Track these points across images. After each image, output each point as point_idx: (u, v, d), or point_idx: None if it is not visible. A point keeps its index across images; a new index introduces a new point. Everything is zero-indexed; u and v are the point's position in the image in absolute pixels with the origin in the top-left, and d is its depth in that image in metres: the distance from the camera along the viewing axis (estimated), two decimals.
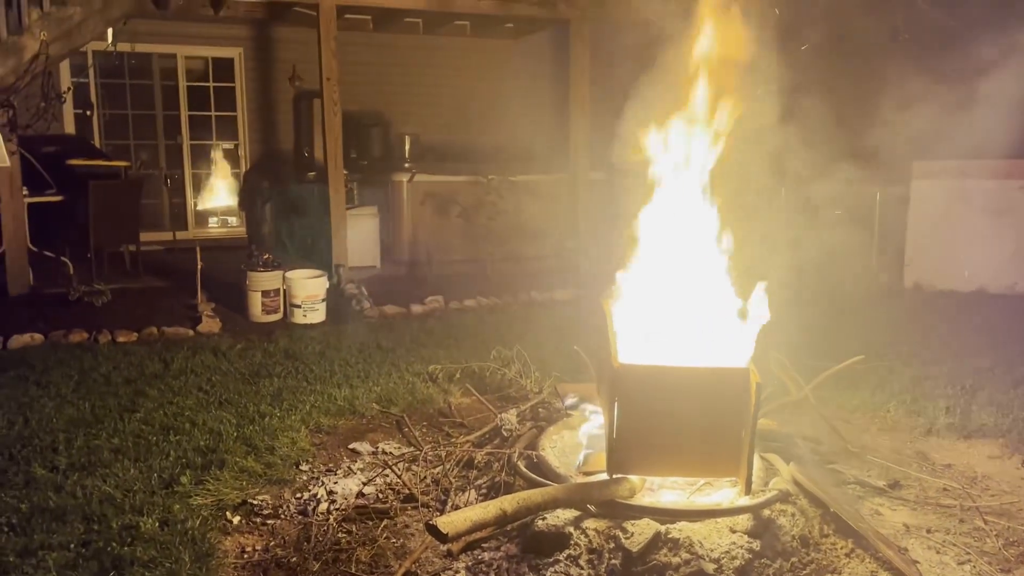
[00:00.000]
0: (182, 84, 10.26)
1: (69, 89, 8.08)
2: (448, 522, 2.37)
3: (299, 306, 6.24)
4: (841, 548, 2.76)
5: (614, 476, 2.90)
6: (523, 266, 8.20)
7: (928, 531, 2.97)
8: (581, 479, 3.04)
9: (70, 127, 9.58)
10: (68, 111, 9.40)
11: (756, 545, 2.66)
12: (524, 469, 3.18)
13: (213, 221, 10.79)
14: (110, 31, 7.00)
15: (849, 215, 6.97)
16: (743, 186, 3.31)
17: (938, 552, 2.83)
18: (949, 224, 7.25)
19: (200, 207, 10.67)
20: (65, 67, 9.10)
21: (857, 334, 5.40)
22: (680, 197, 3.30)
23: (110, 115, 10.01)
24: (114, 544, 2.81)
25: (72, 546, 2.82)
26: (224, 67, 10.43)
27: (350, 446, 3.80)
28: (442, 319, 6.44)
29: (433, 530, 2.37)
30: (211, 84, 10.44)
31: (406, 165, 8.89)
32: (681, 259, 3.21)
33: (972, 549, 2.84)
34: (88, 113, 9.15)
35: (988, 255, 7.07)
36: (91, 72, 9.48)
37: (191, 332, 5.84)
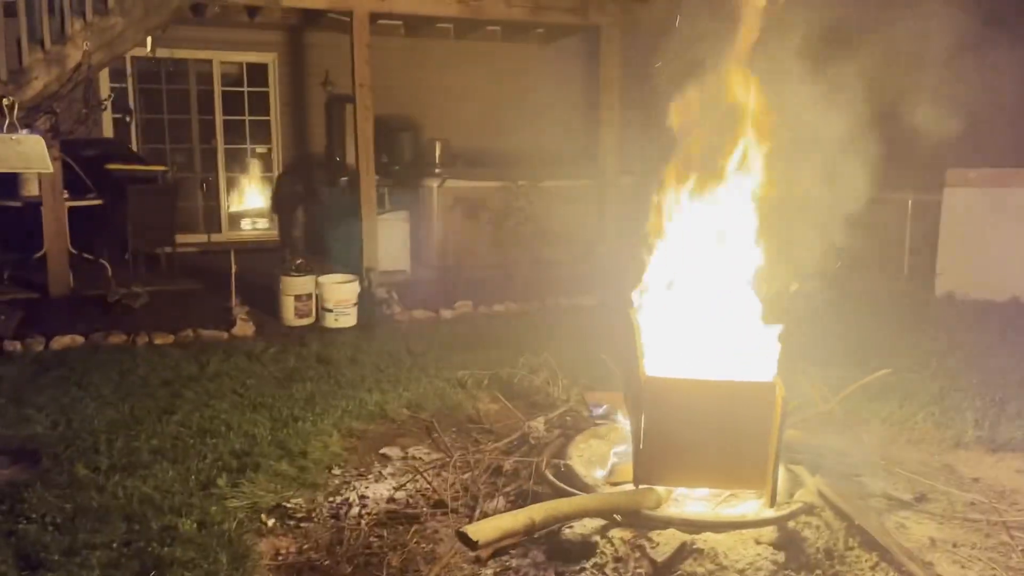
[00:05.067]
0: (217, 89, 10.44)
1: (110, 96, 8.27)
2: (478, 530, 2.44)
3: (331, 310, 6.35)
4: (866, 561, 2.78)
5: (640, 487, 2.95)
6: (551, 271, 8.24)
7: (954, 545, 2.98)
8: (608, 489, 3.09)
9: (108, 131, 9.79)
10: (107, 115, 9.61)
11: (781, 557, 2.70)
12: (552, 478, 3.24)
13: (246, 224, 10.96)
14: (149, 39, 7.16)
15: (879, 222, 6.94)
16: (774, 192, 3.33)
17: (964, 567, 2.84)
18: (983, 233, 7.17)
19: (233, 210, 10.85)
20: (104, 73, 9.30)
21: (886, 344, 5.38)
22: (710, 205, 3.33)
23: (147, 119, 10.23)
24: (154, 544, 2.91)
25: (114, 545, 2.92)
26: (258, 72, 10.61)
27: (381, 451, 3.88)
28: (471, 324, 6.51)
29: (463, 537, 2.44)
30: (246, 89, 10.61)
31: (436, 170, 8.97)
32: (709, 269, 3.24)
33: (998, 564, 2.85)
34: (128, 119, 9.35)
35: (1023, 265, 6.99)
36: (129, 79, 9.68)
37: (225, 335, 5.97)
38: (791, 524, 2.88)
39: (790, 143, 3.32)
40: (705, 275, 3.20)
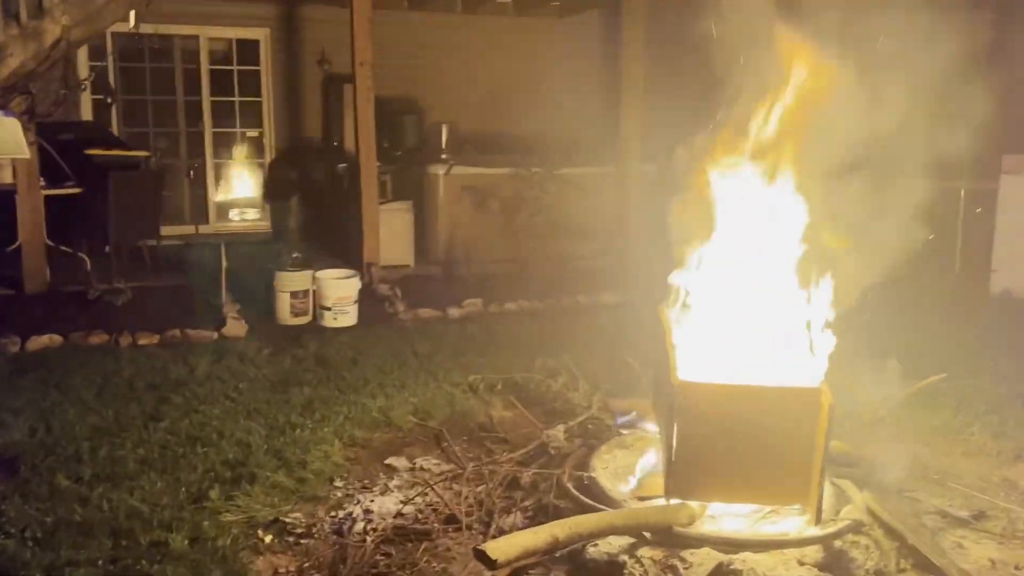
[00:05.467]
0: (204, 68, 10.48)
1: (90, 76, 8.29)
2: (497, 548, 2.43)
3: (329, 308, 6.36)
4: None
5: (672, 502, 2.94)
6: (568, 266, 8.23)
7: (1016, 567, 2.96)
8: (636, 504, 3.08)
9: (88, 114, 9.83)
10: (86, 96, 9.65)
11: None
12: (574, 491, 3.23)
13: (236, 214, 11.00)
14: (132, 13, 7.16)
15: (929, 214, 6.89)
16: (819, 183, 3.31)
17: None
18: None
19: (222, 199, 10.88)
20: (84, 51, 9.33)
21: (938, 347, 5.34)
22: (749, 194, 3.30)
23: (129, 101, 10.27)
24: (143, 562, 2.92)
25: (100, 563, 2.93)
26: (249, 49, 10.63)
27: (386, 461, 3.88)
28: (481, 323, 6.50)
29: (481, 556, 2.43)
30: (235, 67, 10.64)
31: (442, 156, 8.97)
32: (749, 263, 3.22)
33: None
34: (109, 101, 9.38)
35: None
36: (110, 57, 9.71)
37: (215, 335, 5.98)
38: (838, 543, 2.86)
39: (834, 128, 3.30)
40: (745, 270, 3.18)
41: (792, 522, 2.97)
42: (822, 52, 3.18)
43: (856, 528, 2.94)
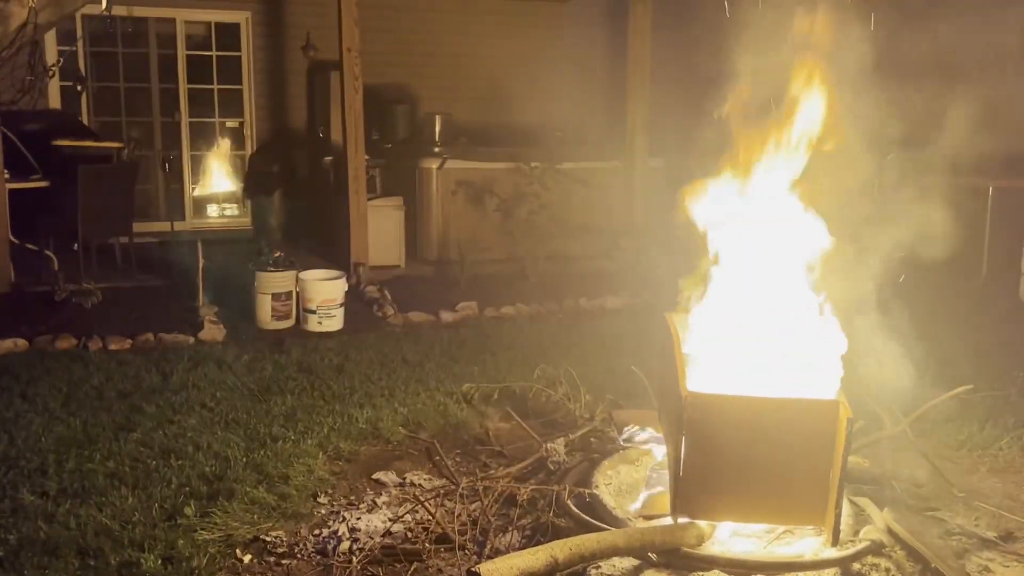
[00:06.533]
0: (181, 53, 10.47)
1: (59, 61, 8.29)
2: (493, 569, 2.44)
3: (314, 311, 6.36)
4: None
5: (679, 521, 2.95)
6: (569, 268, 8.25)
7: None
8: (641, 523, 3.09)
9: (56, 102, 9.82)
10: (54, 83, 9.62)
11: None
12: (575, 510, 3.24)
13: (214, 210, 11.00)
14: None
15: (955, 214, 6.91)
16: (835, 181, 3.33)
17: None
18: None
19: (200, 194, 10.88)
20: (52, 35, 9.33)
21: (964, 356, 5.35)
22: (763, 192, 3.32)
23: (100, 88, 10.26)
24: None
25: None
26: (229, 33, 10.62)
27: (373, 476, 3.88)
28: (476, 329, 6.51)
29: None
30: (214, 53, 10.63)
31: (436, 149, 8.97)
32: (762, 267, 3.23)
33: None
34: (79, 88, 9.37)
35: None
36: (80, 42, 9.70)
37: (192, 339, 5.98)
38: (856, 566, 2.87)
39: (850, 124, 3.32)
40: (758, 274, 3.19)
41: (808, 543, 2.97)
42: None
43: (876, 550, 2.95)
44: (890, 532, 3.04)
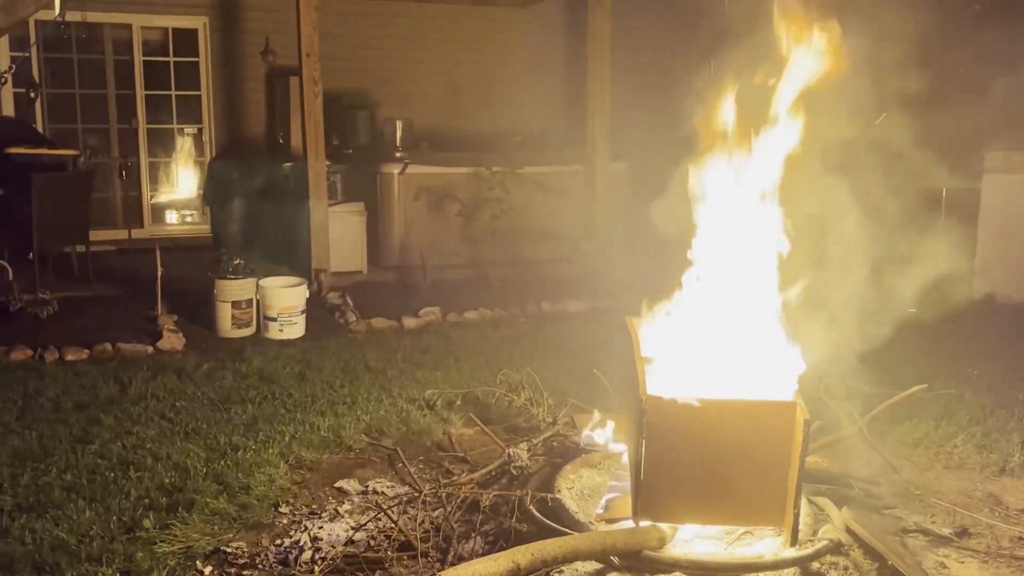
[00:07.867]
0: (138, 59, 10.35)
1: (11, 68, 8.16)
2: None
3: (275, 319, 6.31)
4: None
5: (641, 524, 2.96)
6: (532, 272, 8.27)
7: None
8: (603, 527, 3.10)
9: (8, 109, 9.67)
10: (7, 90, 9.48)
11: None
12: (538, 514, 3.24)
13: (173, 217, 10.88)
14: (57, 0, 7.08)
15: (910, 214, 7.00)
16: (798, 184, 3.37)
17: None
18: None
19: (158, 201, 10.75)
20: (4, 41, 9.19)
21: (919, 355, 5.44)
22: (725, 192, 3.34)
23: (55, 95, 10.10)
24: None
25: None
26: (186, 39, 10.52)
27: (336, 484, 3.86)
28: (439, 334, 6.50)
29: None
30: (171, 59, 10.52)
31: (397, 155, 8.96)
32: (723, 268, 3.26)
33: None
34: (32, 95, 9.23)
35: None
36: (33, 48, 9.55)
37: (150, 349, 5.92)
38: (815, 565, 2.90)
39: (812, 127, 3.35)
40: (716, 278, 3.22)
41: (767, 543, 3.00)
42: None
43: (834, 549, 2.99)
44: (848, 531, 3.08)
